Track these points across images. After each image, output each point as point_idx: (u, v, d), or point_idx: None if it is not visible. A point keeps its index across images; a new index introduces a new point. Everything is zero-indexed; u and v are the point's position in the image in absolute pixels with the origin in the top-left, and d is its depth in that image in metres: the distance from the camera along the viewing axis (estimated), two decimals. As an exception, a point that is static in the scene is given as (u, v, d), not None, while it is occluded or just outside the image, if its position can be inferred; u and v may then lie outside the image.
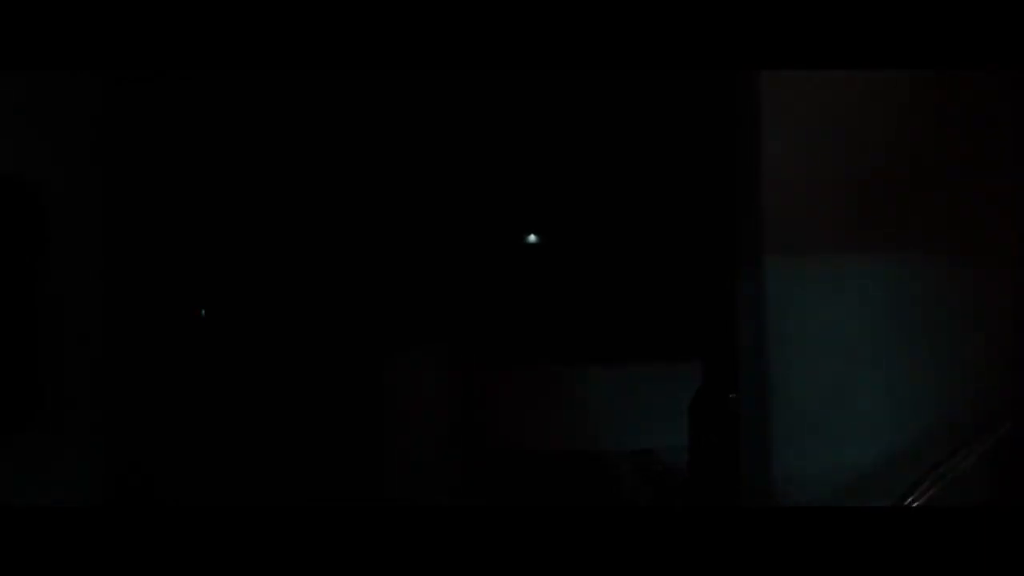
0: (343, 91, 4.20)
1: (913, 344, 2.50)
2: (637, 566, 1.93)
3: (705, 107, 4.02)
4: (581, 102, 4.38)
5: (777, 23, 2.23)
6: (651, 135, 4.74)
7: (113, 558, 1.92)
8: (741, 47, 2.30)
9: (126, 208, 3.33)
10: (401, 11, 2.26)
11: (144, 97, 3.79)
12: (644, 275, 6.98)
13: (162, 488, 3.59)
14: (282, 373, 4.71)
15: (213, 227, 4.59)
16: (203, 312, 4.68)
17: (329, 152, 4.76)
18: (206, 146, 4.36)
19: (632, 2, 2.25)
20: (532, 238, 7.09)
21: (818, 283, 2.51)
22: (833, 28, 2.24)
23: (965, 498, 2.30)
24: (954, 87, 2.53)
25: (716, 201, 4.16)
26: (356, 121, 4.52)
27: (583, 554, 1.96)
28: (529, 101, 4.37)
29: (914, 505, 2.26)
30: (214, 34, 2.25)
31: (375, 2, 2.25)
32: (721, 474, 3.64)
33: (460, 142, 4.89)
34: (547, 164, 5.20)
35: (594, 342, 7.18)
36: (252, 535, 1.99)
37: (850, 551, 1.91)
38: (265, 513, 2.13)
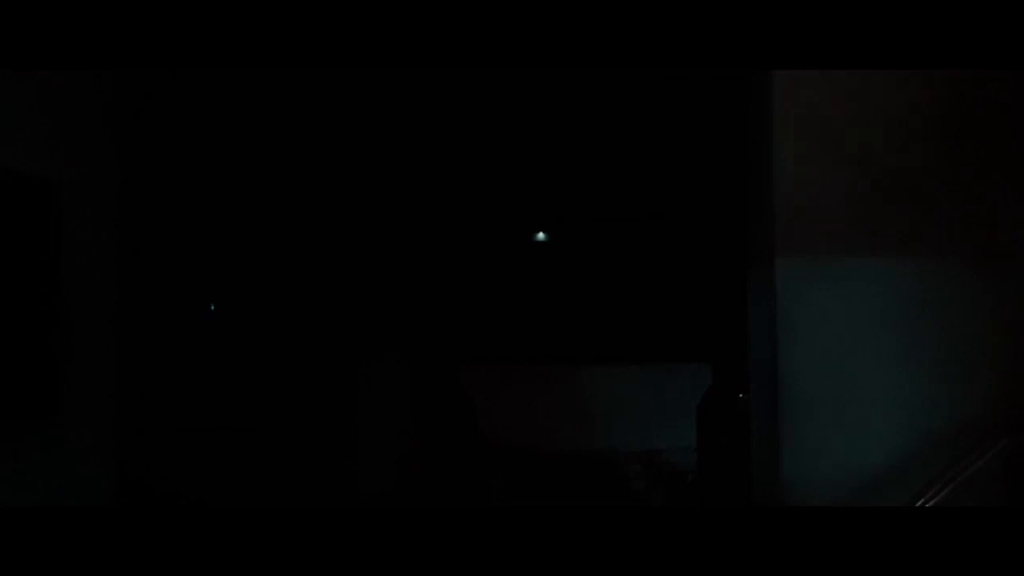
0: (352, 93, 4.20)
1: (924, 346, 2.49)
2: (647, 565, 1.94)
3: (718, 108, 4.01)
4: (593, 102, 4.37)
5: (788, 24, 2.22)
6: (664, 136, 4.73)
7: (121, 557, 1.94)
8: (754, 47, 2.30)
9: (140, 206, 3.35)
10: (409, 12, 2.27)
11: (157, 97, 3.82)
12: (655, 275, 6.98)
13: (167, 486, 3.60)
14: (295, 372, 4.73)
15: (223, 225, 4.61)
16: (212, 307, 4.70)
17: (339, 153, 4.77)
18: (215, 146, 4.38)
19: (646, 2, 2.25)
20: (541, 236, 7.10)
21: (829, 285, 2.50)
22: (844, 28, 2.23)
23: (977, 500, 2.28)
24: (965, 89, 2.51)
25: (728, 202, 4.15)
26: (372, 124, 4.53)
27: (593, 553, 1.97)
28: (541, 101, 4.37)
29: (925, 506, 2.25)
30: (227, 35, 2.26)
31: (380, 3, 2.26)
32: (730, 474, 3.63)
33: (473, 143, 4.90)
34: (559, 164, 5.20)
35: (604, 342, 7.18)
36: (259, 536, 2.00)
37: (859, 551, 1.91)
38: (273, 513, 2.15)
